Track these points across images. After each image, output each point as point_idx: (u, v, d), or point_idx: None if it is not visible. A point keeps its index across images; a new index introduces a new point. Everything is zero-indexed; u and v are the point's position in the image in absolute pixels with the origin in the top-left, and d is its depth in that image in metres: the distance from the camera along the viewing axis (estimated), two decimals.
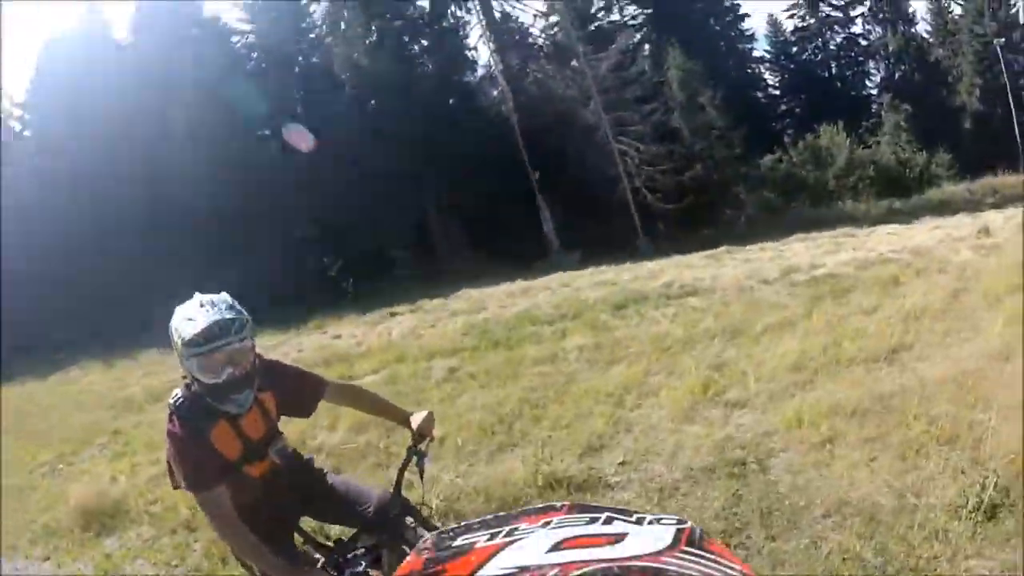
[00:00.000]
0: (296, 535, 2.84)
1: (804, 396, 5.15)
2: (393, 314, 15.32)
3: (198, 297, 2.38)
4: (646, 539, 1.78)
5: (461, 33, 28.26)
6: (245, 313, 2.39)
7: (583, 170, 25.19)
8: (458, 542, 1.98)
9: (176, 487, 2.55)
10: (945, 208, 20.26)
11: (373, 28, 26.01)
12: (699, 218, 24.95)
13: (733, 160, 27.09)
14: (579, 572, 1.64)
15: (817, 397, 5.05)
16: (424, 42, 27.45)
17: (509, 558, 1.79)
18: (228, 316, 2.32)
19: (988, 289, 7.61)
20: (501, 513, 2.20)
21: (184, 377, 2.43)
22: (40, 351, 20.16)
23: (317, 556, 2.69)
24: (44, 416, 12.80)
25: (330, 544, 2.82)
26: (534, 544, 1.82)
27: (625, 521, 1.91)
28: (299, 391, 2.66)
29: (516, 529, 1.93)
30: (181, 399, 2.42)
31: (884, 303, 7.55)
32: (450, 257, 23.40)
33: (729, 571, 1.68)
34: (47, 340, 21.29)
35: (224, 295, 2.42)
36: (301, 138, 22.96)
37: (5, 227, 21.74)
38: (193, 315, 2.32)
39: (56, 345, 20.32)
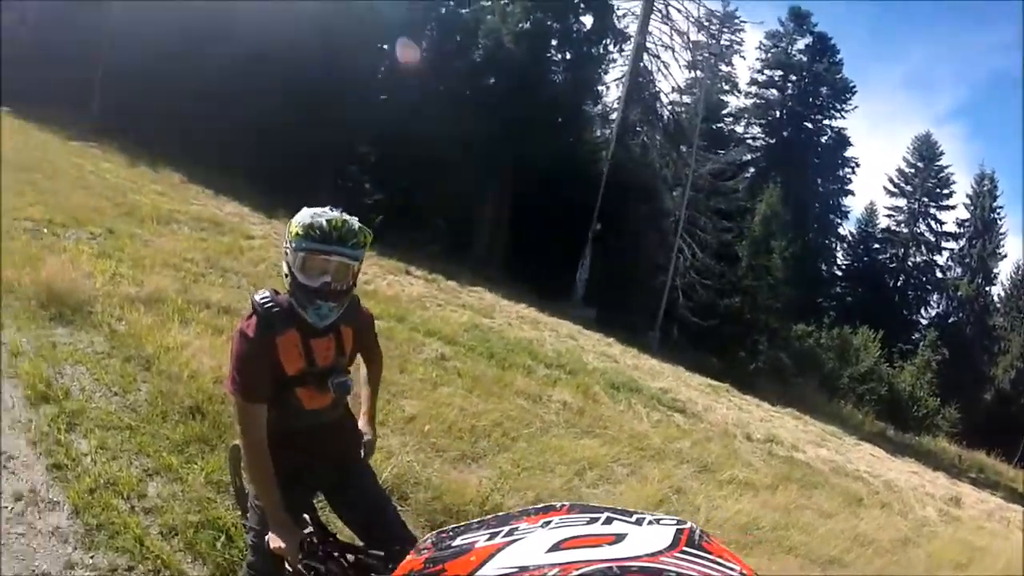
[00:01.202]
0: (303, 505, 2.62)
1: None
2: (408, 272, 15.33)
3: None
4: (646, 539, 1.77)
5: (602, 67, 28.51)
6: (367, 237, 2.38)
7: (639, 245, 25.55)
8: (458, 541, 1.99)
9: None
10: (930, 459, 20.36)
11: (531, 17, 26.22)
12: (713, 345, 25.16)
13: (771, 311, 27.34)
14: (579, 572, 1.64)
15: (751, 565, 5.18)
16: (567, 55, 27.64)
17: (509, 558, 1.79)
18: (353, 227, 2.33)
19: (934, 554, 7.79)
20: (501, 513, 2.19)
21: (285, 275, 2.39)
22: (81, 115, 18.90)
23: (309, 528, 2.51)
24: (50, 175, 12.08)
25: (332, 535, 2.52)
26: (534, 544, 1.82)
27: (625, 521, 1.90)
28: (367, 348, 2.73)
29: (516, 529, 1.94)
30: (267, 300, 2.36)
31: (842, 514, 7.69)
32: (484, 251, 23.53)
33: (729, 571, 1.69)
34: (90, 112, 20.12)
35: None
36: (410, 52, 23.35)
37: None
38: (321, 213, 2.32)
39: (102, 124, 19.23)
